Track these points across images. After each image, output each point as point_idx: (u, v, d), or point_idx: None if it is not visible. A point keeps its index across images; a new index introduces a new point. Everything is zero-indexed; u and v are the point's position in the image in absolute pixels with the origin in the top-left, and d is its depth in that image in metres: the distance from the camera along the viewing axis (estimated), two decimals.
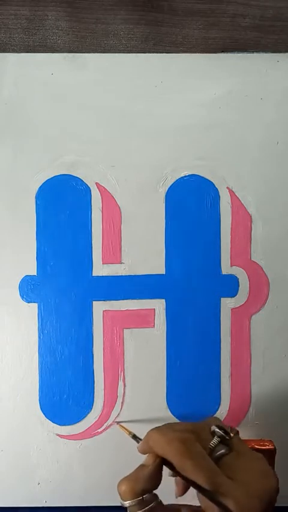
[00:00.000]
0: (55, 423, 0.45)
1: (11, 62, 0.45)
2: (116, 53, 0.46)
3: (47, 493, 0.45)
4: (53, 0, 0.46)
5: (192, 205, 0.45)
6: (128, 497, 0.31)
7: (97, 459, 0.45)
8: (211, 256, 0.45)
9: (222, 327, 0.45)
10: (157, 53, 0.46)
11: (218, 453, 0.32)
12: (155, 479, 0.32)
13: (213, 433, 0.32)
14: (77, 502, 0.45)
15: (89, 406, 0.45)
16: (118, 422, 0.44)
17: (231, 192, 0.45)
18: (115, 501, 0.44)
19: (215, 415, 0.45)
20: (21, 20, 0.46)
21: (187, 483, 0.31)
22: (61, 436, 0.45)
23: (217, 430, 0.32)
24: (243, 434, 0.42)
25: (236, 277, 0.45)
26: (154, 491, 0.32)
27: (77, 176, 0.45)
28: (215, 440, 0.32)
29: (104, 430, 0.45)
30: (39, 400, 0.45)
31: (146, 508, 0.31)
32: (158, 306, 0.45)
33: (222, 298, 0.45)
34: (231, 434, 0.33)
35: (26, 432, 0.45)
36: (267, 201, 0.45)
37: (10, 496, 0.45)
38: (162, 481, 0.32)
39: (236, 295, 0.45)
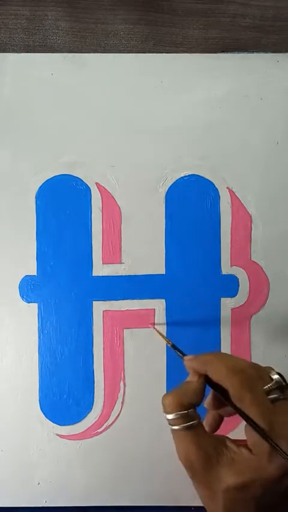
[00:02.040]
0: (55, 423, 0.45)
1: (11, 62, 0.45)
2: (116, 53, 0.46)
3: (47, 493, 0.45)
4: (53, 0, 0.46)
5: (192, 205, 0.45)
6: (173, 409, 0.31)
7: (97, 459, 0.45)
8: (211, 256, 0.45)
9: (222, 327, 0.45)
10: (157, 53, 0.46)
11: (273, 396, 0.31)
12: (200, 394, 0.32)
13: (271, 379, 0.32)
14: (77, 502, 0.45)
15: (89, 406, 0.45)
16: (154, 326, 0.44)
17: (231, 192, 0.45)
18: (115, 501, 0.45)
19: None
20: (21, 20, 0.46)
21: (239, 414, 0.31)
22: (61, 436, 0.45)
23: (276, 376, 0.32)
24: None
25: (236, 277, 0.45)
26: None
27: (77, 176, 0.45)
28: (273, 384, 0.32)
29: (104, 430, 0.45)
30: (39, 400, 0.45)
31: (190, 423, 0.31)
32: (158, 306, 0.45)
33: (222, 298, 0.45)
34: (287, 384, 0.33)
35: (26, 432, 0.45)
36: (267, 201, 0.45)
37: (10, 496, 0.45)
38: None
39: (236, 295, 0.45)
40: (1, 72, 0.45)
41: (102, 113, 0.45)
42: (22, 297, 0.45)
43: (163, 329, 0.45)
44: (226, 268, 0.45)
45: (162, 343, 0.45)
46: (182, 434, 0.31)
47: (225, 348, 0.45)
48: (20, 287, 0.45)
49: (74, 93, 0.45)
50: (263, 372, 0.33)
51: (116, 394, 0.45)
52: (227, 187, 0.45)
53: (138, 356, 0.45)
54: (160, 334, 0.41)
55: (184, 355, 0.36)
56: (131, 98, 0.45)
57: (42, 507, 0.45)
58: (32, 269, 0.45)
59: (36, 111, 0.45)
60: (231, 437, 0.32)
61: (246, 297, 0.45)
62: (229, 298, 0.45)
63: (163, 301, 0.45)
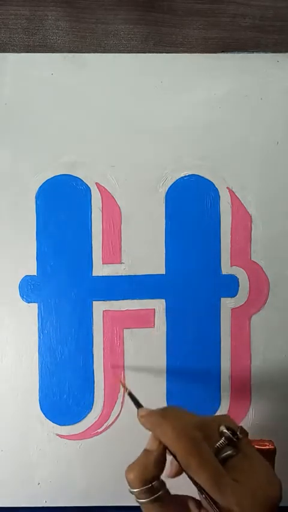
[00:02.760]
0: (55, 423, 0.45)
1: (11, 62, 0.45)
2: (116, 53, 0.46)
3: (47, 493, 0.45)
4: (53, 0, 0.46)
5: (192, 205, 0.45)
6: (137, 485, 0.31)
7: (97, 459, 0.45)
8: (211, 256, 0.45)
9: (222, 327, 0.45)
10: (157, 53, 0.46)
11: (225, 454, 0.31)
12: (162, 464, 0.31)
13: (222, 433, 0.31)
14: (77, 502, 0.45)
15: (89, 406, 0.45)
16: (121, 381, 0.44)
17: (231, 192, 0.45)
18: (115, 501, 0.45)
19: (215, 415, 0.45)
20: (21, 20, 0.46)
21: (190, 479, 0.30)
22: (61, 436, 0.45)
23: (225, 430, 0.31)
24: None
25: (236, 277, 0.45)
26: (162, 479, 0.32)
27: (77, 176, 0.45)
28: (223, 441, 0.31)
29: (104, 430, 0.45)
30: (39, 400, 0.45)
31: (155, 495, 0.31)
32: (158, 306, 0.45)
33: (222, 298, 0.45)
34: (240, 436, 0.32)
35: (26, 432, 0.45)
36: (267, 201, 0.45)
37: (10, 496, 0.45)
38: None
39: (236, 295, 0.45)
40: (1, 72, 0.45)
41: (102, 113, 0.45)
42: (22, 297, 0.45)
43: (163, 329, 0.45)
44: (226, 268, 0.45)
45: (162, 343, 0.45)
46: (149, 506, 0.31)
47: (225, 348, 0.45)
48: (20, 287, 0.45)
49: (74, 93, 0.45)
50: (211, 430, 0.32)
51: (116, 394, 0.45)
52: (227, 187, 0.45)
53: (138, 356, 0.45)
54: (121, 382, 0.40)
55: (139, 406, 0.35)
56: (131, 98, 0.45)
57: (42, 507, 0.45)
58: (32, 269, 0.45)
59: (36, 111, 0.45)
60: None
61: (246, 297, 0.45)
62: (229, 298, 0.45)
63: (163, 301, 0.45)
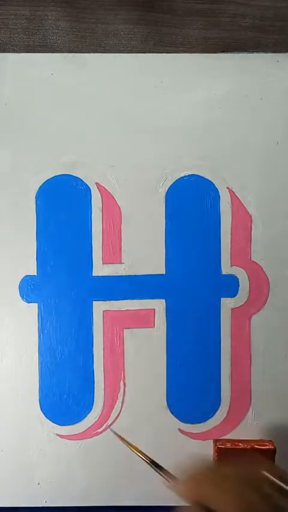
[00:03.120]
0: (55, 423, 0.45)
1: (11, 62, 0.45)
2: (116, 53, 0.46)
3: (47, 493, 0.45)
4: (53, 0, 0.46)
5: (192, 205, 0.45)
6: None
7: (97, 459, 0.45)
8: (211, 256, 0.45)
9: (222, 327, 0.45)
10: (157, 53, 0.46)
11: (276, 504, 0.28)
12: None
13: (271, 487, 0.28)
14: (77, 502, 0.45)
15: (89, 406, 0.45)
16: (121, 438, 0.39)
17: (231, 192, 0.45)
18: (115, 501, 0.45)
19: (214, 416, 0.45)
20: (21, 20, 0.46)
21: None
22: (61, 436, 0.45)
23: (276, 481, 0.28)
24: (243, 435, 0.42)
25: (236, 277, 0.45)
26: None
27: (77, 176, 0.45)
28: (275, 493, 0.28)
29: (104, 430, 0.45)
30: (39, 400, 0.45)
31: None
32: (158, 306, 0.45)
33: (222, 298, 0.45)
34: None
35: (26, 432, 0.45)
36: (267, 201, 0.45)
37: (10, 496, 0.45)
38: None
39: (236, 295, 0.45)
40: (1, 72, 0.45)
41: (102, 113, 0.45)
42: (22, 297, 0.45)
43: (163, 329, 0.45)
44: (226, 268, 0.45)
45: (162, 343, 0.45)
46: None
47: (225, 348, 0.45)
48: (20, 287, 0.45)
49: (74, 93, 0.45)
50: (259, 482, 0.29)
51: (116, 394, 0.45)
52: (227, 187, 0.45)
53: (138, 356, 0.45)
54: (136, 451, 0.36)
55: (172, 478, 0.31)
56: (131, 98, 0.45)
57: (42, 507, 0.45)
58: (32, 269, 0.45)
59: (36, 111, 0.45)
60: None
61: (246, 297, 0.45)
62: (229, 298, 0.45)
63: (163, 301, 0.45)
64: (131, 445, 0.36)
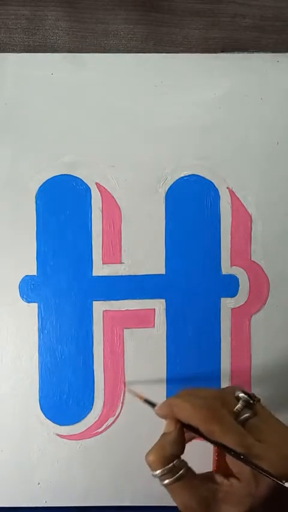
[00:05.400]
0: (55, 423, 0.45)
1: (11, 62, 0.45)
2: (116, 53, 0.46)
3: (47, 493, 0.45)
4: (53, 0, 0.46)
5: (192, 205, 0.45)
6: (158, 465, 0.31)
7: (97, 459, 0.45)
8: (211, 256, 0.45)
9: (222, 327, 0.45)
10: (157, 53, 0.46)
11: (243, 417, 0.32)
12: (181, 443, 0.32)
13: (238, 398, 0.33)
14: (77, 502, 0.45)
15: (89, 406, 0.45)
16: (127, 386, 0.44)
17: (231, 192, 0.45)
18: (115, 501, 0.45)
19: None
20: (21, 20, 0.46)
21: (216, 447, 0.31)
22: (61, 436, 0.45)
23: (242, 394, 0.33)
24: None
25: (236, 277, 0.45)
26: (183, 459, 0.32)
27: (77, 176, 0.45)
28: (240, 404, 0.32)
29: (104, 430, 0.45)
30: (39, 400, 0.45)
31: (178, 474, 0.31)
32: (158, 306, 0.45)
33: (222, 298, 0.45)
34: (256, 399, 0.33)
35: (26, 432, 0.45)
36: (267, 201, 0.45)
37: (10, 496, 0.45)
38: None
39: (236, 295, 0.45)
40: (1, 72, 0.45)
41: (102, 113, 0.45)
42: (22, 297, 0.45)
43: (163, 329, 0.45)
44: (226, 268, 0.45)
45: (163, 343, 0.45)
46: (174, 486, 0.31)
47: (225, 348, 0.45)
48: (20, 287, 0.45)
49: (74, 93, 0.45)
50: (227, 396, 0.33)
51: (116, 394, 0.45)
52: (227, 187, 0.45)
53: (138, 356, 0.45)
54: (133, 392, 0.40)
55: (154, 405, 0.35)
56: (131, 97, 0.45)
57: (42, 507, 0.45)
58: (32, 269, 0.45)
59: (36, 111, 0.45)
60: None
61: (246, 297, 0.45)
62: (229, 298, 0.45)
63: (163, 301, 0.45)
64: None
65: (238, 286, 0.45)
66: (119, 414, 0.45)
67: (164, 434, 0.33)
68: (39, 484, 0.45)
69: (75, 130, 0.45)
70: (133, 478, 0.44)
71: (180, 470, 0.31)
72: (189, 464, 0.32)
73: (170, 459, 0.31)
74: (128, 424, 0.45)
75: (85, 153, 0.45)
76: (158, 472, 0.31)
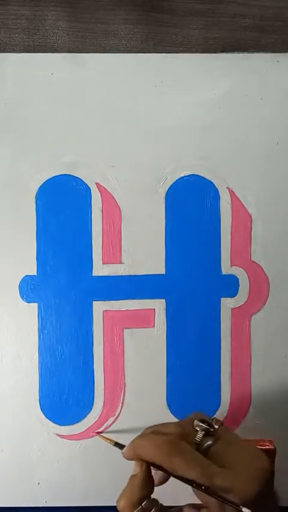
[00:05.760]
0: (55, 423, 0.45)
1: (11, 62, 0.45)
2: (116, 53, 0.46)
3: (47, 493, 0.45)
4: (53, 0, 0.46)
5: (192, 205, 0.45)
6: (128, 510, 0.31)
7: (97, 459, 0.45)
8: (211, 256, 0.45)
9: (222, 327, 0.45)
10: (157, 53, 0.46)
11: (205, 445, 0.32)
12: (148, 484, 0.32)
13: (197, 428, 0.33)
14: (77, 502, 0.45)
15: (89, 406, 0.45)
16: (98, 433, 0.44)
17: (231, 192, 0.45)
18: (115, 501, 0.44)
19: (215, 416, 0.45)
20: (21, 20, 0.46)
21: (183, 482, 0.31)
22: (61, 436, 0.45)
23: (200, 424, 0.33)
24: (243, 434, 0.42)
25: (236, 277, 0.45)
26: (153, 497, 0.32)
27: (77, 176, 0.45)
28: (200, 434, 0.32)
29: (104, 430, 0.45)
30: (39, 400, 0.45)
31: None
32: (158, 306, 0.45)
33: (222, 298, 0.45)
34: (216, 426, 0.33)
35: (26, 432, 0.45)
36: (267, 201, 0.45)
37: (10, 496, 0.45)
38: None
39: (236, 295, 0.45)
40: (1, 72, 0.45)
41: (102, 113, 0.45)
42: (22, 297, 0.45)
43: (163, 329, 0.45)
44: (226, 268, 0.45)
45: (162, 343, 0.45)
46: None
47: (225, 348, 0.45)
48: (20, 287, 0.45)
49: (74, 93, 0.45)
50: (187, 428, 0.33)
51: (116, 394, 0.45)
52: (227, 187, 0.45)
53: (138, 356, 0.45)
54: (105, 438, 0.39)
55: (122, 447, 0.35)
56: (131, 97, 0.45)
57: (42, 507, 0.45)
58: (32, 269, 0.45)
59: (36, 111, 0.45)
60: None
61: (246, 297, 0.45)
62: (229, 298, 0.45)
63: (163, 301, 0.45)
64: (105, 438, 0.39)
65: (238, 286, 0.45)
66: (119, 414, 0.45)
67: (131, 477, 0.32)
68: (39, 484, 0.45)
69: (75, 130, 0.45)
70: None
71: (150, 510, 0.31)
72: (178, 489, 0.33)
73: (139, 502, 0.31)
74: (128, 424, 0.45)
75: (85, 153, 0.45)
76: None
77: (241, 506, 0.28)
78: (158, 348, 0.45)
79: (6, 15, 0.46)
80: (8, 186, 0.45)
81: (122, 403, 0.45)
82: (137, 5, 0.46)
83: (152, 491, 0.32)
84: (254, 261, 0.45)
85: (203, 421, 0.33)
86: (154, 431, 0.34)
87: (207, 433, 0.32)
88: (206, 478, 0.30)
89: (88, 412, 0.45)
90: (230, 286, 0.45)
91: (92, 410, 0.45)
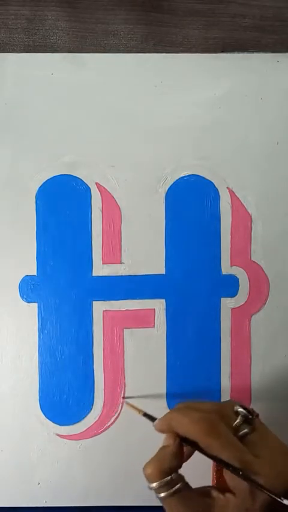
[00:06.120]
0: (55, 423, 0.45)
1: (11, 62, 0.45)
2: (116, 53, 0.46)
3: (47, 493, 0.45)
4: (53, 0, 0.46)
5: (192, 205, 0.45)
6: (155, 478, 0.31)
7: (97, 459, 0.45)
8: (211, 256, 0.45)
9: (222, 327, 0.45)
10: (157, 53, 0.46)
11: (242, 432, 0.32)
12: (179, 457, 0.32)
13: (237, 413, 0.33)
14: (77, 502, 0.45)
15: (89, 406, 0.45)
16: (125, 399, 0.44)
17: (231, 192, 0.45)
18: (115, 501, 0.45)
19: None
20: (21, 20, 0.46)
21: (214, 462, 0.31)
22: (61, 436, 0.45)
23: (241, 409, 0.33)
24: None
25: (236, 277, 0.45)
26: (180, 473, 0.32)
27: (77, 176, 0.45)
28: (240, 419, 0.32)
29: (104, 430, 0.45)
30: (39, 400, 0.45)
31: (175, 488, 0.31)
32: (158, 306, 0.45)
33: (222, 298, 0.45)
34: (254, 415, 0.33)
35: (26, 432, 0.45)
36: (267, 201, 0.45)
37: (10, 496, 0.45)
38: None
39: (236, 295, 0.45)
40: (1, 72, 0.45)
41: (102, 113, 0.45)
42: (22, 297, 0.45)
43: (163, 329, 0.45)
44: (226, 268, 0.45)
45: (162, 343, 0.45)
46: (169, 500, 0.31)
47: (225, 348, 0.45)
48: (20, 287, 0.45)
49: (74, 93, 0.45)
50: (226, 410, 0.33)
51: (116, 394, 0.45)
52: (227, 187, 0.45)
53: (138, 356, 0.45)
54: (132, 405, 0.40)
55: (154, 420, 0.35)
56: (131, 98, 0.45)
57: (42, 507, 0.45)
58: (32, 269, 0.45)
59: (36, 111, 0.45)
60: None
61: (246, 297, 0.45)
62: (229, 298, 0.45)
63: (163, 301, 0.45)
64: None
65: (238, 286, 0.45)
66: (119, 414, 0.45)
67: (162, 448, 0.32)
68: (39, 484, 0.45)
69: (75, 130, 0.45)
70: (133, 478, 0.44)
71: (177, 484, 0.31)
72: (189, 478, 0.33)
73: (167, 472, 0.31)
74: (128, 424, 0.45)
75: (85, 153, 0.45)
76: (154, 484, 0.31)
77: (282, 498, 0.28)
78: (158, 348, 0.45)
79: (6, 15, 0.46)
80: (8, 186, 0.45)
81: (122, 403, 0.45)
82: (137, 5, 0.46)
83: (180, 465, 0.32)
84: (254, 261, 0.45)
85: (243, 408, 0.33)
86: (191, 407, 0.33)
87: (246, 421, 0.32)
88: (242, 463, 0.29)
89: (88, 412, 0.45)
90: (230, 286, 0.45)
91: (92, 410, 0.45)
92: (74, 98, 0.45)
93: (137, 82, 0.45)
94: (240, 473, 0.29)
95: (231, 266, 0.45)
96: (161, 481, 0.31)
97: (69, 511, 0.45)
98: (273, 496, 0.28)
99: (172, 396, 0.45)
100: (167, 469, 0.31)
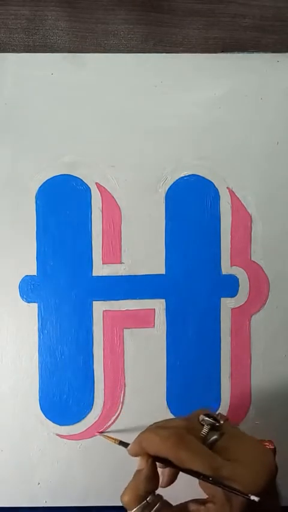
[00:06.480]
0: (55, 423, 0.45)
1: (11, 62, 0.45)
2: (116, 53, 0.46)
3: (47, 493, 0.45)
4: (53, 0, 0.46)
5: (192, 205, 0.45)
6: (133, 504, 0.31)
7: (97, 459, 0.45)
8: (211, 256, 0.45)
9: (222, 327, 0.45)
10: (157, 53, 0.46)
11: (211, 440, 0.32)
12: (153, 479, 0.32)
13: (203, 422, 0.33)
14: (77, 502, 0.45)
15: (89, 406, 0.45)
16: (101, 433, 0.44)
17: (231, 192, 0.45)
18: (115, 501, 0.44)
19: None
20: (21, 20, 0.46)
21: (188, 474, 0.31)
22: (61, 436, 0.45)
23: (206, 418, 0.33)
24: None
25: (236, 277, 0.45)
26: (157, 493, 0.32)
27: (77, 176, 0.45)
28: (206, 428, 0.32)
29: (104, 430, 0.45)
30: (39, 400, 0.45)
31: (153, 510, 0.31)
32: (158, 306, 0.45)
33: (222, 298, 0.45)
34: (221, 421, 0.33)
35: (26, 432, 0.45)
36: (267, 201, 0.45)
37: (10, 496, 0.45)
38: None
39: (236, 295, 0.45)
40: (1, 72, 0.45)
41: (102, 113, 0.45)
42: (22, 297, 0.45)
43: (163, 329, 0.45)
44: (226, 268, 0.45)
45: (163, 343, 0.45)
46: None
47: (225, 348, 0.45)
48: (20, 287, 0.45)
49: (74, 93, 0.45)
50: (192, 422, 0.33)
51: (116, 394, 0.45)
52: (227, 187, 0.45)
53: (138, 356, 0.45)
54: (107, 437, 0.40)
55: (127, 446, 0.35)
56: (131, 97, 0.45)
57: (42, 507, 0.45)
58: (32, 269, 0.45)
59: (36, 111, 0.45)
60: None
61: (246, 297, 0.45)
62: (229, 298, 0.45)
63: (163, 301, 0.45)
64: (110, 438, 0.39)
65: (238, 286, 0.45)
66: (119, 414, 0.45)
67: (137, 472, 0.33)
68: (39, 484, 0.45)
69: (75, 130, 0.45)
70: None
71: (155, 505, 0.31)
72: (181, 491, 0.33)
73: (144, 496, 0.31)
74: (128, 424, 0.45)
75: (85, 153, 0.45)
76: (133, 510, 0.31)
77: (249, 495, 0.28)
78: (158, 348, 0.45)
79: (6, 15, 0.46)
80: (8, 186, 0.45)
81: (122, 403, 0.45)
82: (137, 5, 0.46)
83: (157, 486, 0.32)
84: (254, 261, 0.45)
85: (208, 416, 0.33)
86: (159, 426, 0.34)
87: (213, 428, 0.33)
88: (212, 470, 0.30)
89: (88, 412, 0.45)
90: (230, 286, 0.45)
91: (92, 410, 0.45)
92: (74, 98, 0.45)
93: (137, 82, 0.45)
94: (210, 479, 0.30)
95: (231, 266, 0.46)
96: (138, 506, 0.31)
97: (69, 511, 0.45)
98: (241, 494, 0.29)
99: (172, 396, 0.45)
100: (143, 494, 0.32)
